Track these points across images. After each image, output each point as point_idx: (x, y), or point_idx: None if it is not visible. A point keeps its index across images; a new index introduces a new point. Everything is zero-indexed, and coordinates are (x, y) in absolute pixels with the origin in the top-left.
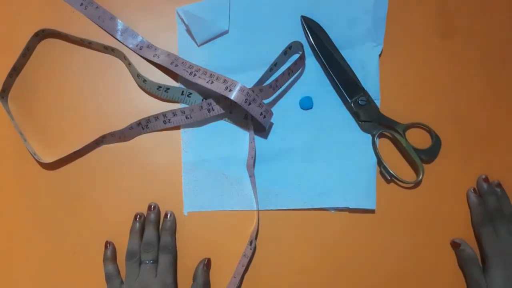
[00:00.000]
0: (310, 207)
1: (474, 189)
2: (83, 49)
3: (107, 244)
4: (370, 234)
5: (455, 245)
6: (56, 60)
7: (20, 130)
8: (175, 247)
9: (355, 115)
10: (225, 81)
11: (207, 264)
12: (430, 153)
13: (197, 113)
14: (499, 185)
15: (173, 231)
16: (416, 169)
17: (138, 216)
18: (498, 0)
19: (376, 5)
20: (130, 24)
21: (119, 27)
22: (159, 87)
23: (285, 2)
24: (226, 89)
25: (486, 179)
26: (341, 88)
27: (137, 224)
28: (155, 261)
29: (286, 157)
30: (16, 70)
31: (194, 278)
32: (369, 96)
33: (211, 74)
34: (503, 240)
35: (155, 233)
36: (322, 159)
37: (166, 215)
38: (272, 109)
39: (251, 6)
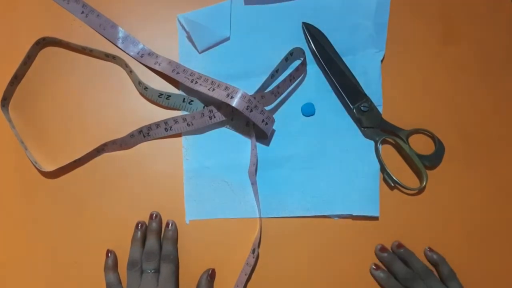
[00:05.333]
0: (313, 214)
1: (375, 265)
2: (84, 57)
3: (108, 252)
4: (373, 241)
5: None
6: (57, 68)
7: (21, 138)
8: (177, 256)
9: (358, 122)
10: (226, 88)
11: (211, 275)
12: (434, 159)
13: (198, 120)
14: (399, 245)
15: (175, 240)
16: (419, 176)
17: (139, 225)
18: (500, 6)
19: (377, 11)
20: (131, 32)
21: (120, 34)
22: (161, 94)
23: (286, 9)
24: (228, 96)
25: (383, 249)
26: (343, 94)
27: (139, 233)
28: (157, 271)
29: (289, 164)
30: (17, 78)
31: (197, 287)
32: (371, 102)
33: (212, 81)
34: None
35: (157, 242)
36: (324, 166)
37: (167, 224)
38: (274, 116)
39: (252, 13)
